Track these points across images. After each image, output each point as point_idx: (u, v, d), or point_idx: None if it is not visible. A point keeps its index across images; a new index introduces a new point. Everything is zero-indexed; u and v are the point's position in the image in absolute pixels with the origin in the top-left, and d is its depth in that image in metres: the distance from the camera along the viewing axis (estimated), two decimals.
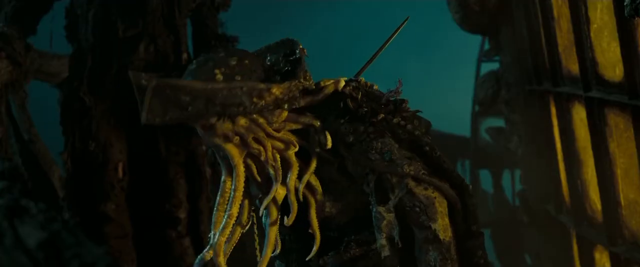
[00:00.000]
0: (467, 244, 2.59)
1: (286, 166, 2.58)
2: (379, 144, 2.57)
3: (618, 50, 4.05)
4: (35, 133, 5.67)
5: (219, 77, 2.42)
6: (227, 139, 2.50)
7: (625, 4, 3.04)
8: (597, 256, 5.09)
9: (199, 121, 2.46)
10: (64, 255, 1.06)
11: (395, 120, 2.62)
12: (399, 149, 2.58)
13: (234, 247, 2.67)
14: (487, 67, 8.16)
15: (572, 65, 5.00)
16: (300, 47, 2.56)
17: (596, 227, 4.95)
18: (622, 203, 4.44)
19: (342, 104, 2.61)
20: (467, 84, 9.19)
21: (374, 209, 2.57)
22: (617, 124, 4.35)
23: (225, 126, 2.47)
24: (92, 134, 5.27)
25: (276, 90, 2.41)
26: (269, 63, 2.58)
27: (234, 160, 2.54)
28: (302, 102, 2.58)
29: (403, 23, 2.98)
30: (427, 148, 2.60)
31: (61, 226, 1.12)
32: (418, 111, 2.71)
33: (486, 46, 8.14)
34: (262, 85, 2.39)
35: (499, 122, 7.93)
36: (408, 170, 2.54)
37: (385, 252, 2.55)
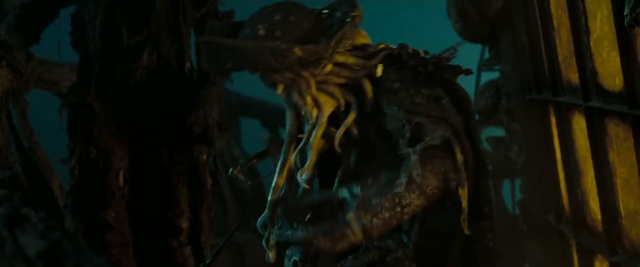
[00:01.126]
0: (476, 225, 2.55)
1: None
2: (428, 90, 2.54)
3: (618, 60, 4.05)
4: (35, 141, 5.65)
5: (262, 32, 2.52)
6: (276, 87, 2.56)
7: (625, 13, 3.05)
8: (597, 265, 5.08)
9: (245, 70, 2.54)
10: (64, 264, 1.06)
11: (446, 75, 2.61)
12: (448, 100, 2.56)
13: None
14: (487, 76, 8.14)
15: (572, 74, 4.99)
16: (354, 14, 2.54)
17: (596, 236, 4.94)
18: (622, 213, 4.43)
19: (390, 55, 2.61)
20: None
21: (403, 150, 2.52)
22: (617, 133, 4.34)
23: (274, 76, 2.51)
24: (93, 141, 5.24)
25: (298, 51, 2.45)
26: (327, 23, 2.58)
27: (286, 106, 2.64)
28: (351, 60, 2.57)
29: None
30: (468, 111, 2.58)
31: (61, 235, 1.12)
32: (469, 71, 2.67)
33: (486, 55, 8.13)
34: (283, 46, 2.44)
35: (499, 132, 7.91)
36: (456, 119, 2.52)
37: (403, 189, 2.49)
